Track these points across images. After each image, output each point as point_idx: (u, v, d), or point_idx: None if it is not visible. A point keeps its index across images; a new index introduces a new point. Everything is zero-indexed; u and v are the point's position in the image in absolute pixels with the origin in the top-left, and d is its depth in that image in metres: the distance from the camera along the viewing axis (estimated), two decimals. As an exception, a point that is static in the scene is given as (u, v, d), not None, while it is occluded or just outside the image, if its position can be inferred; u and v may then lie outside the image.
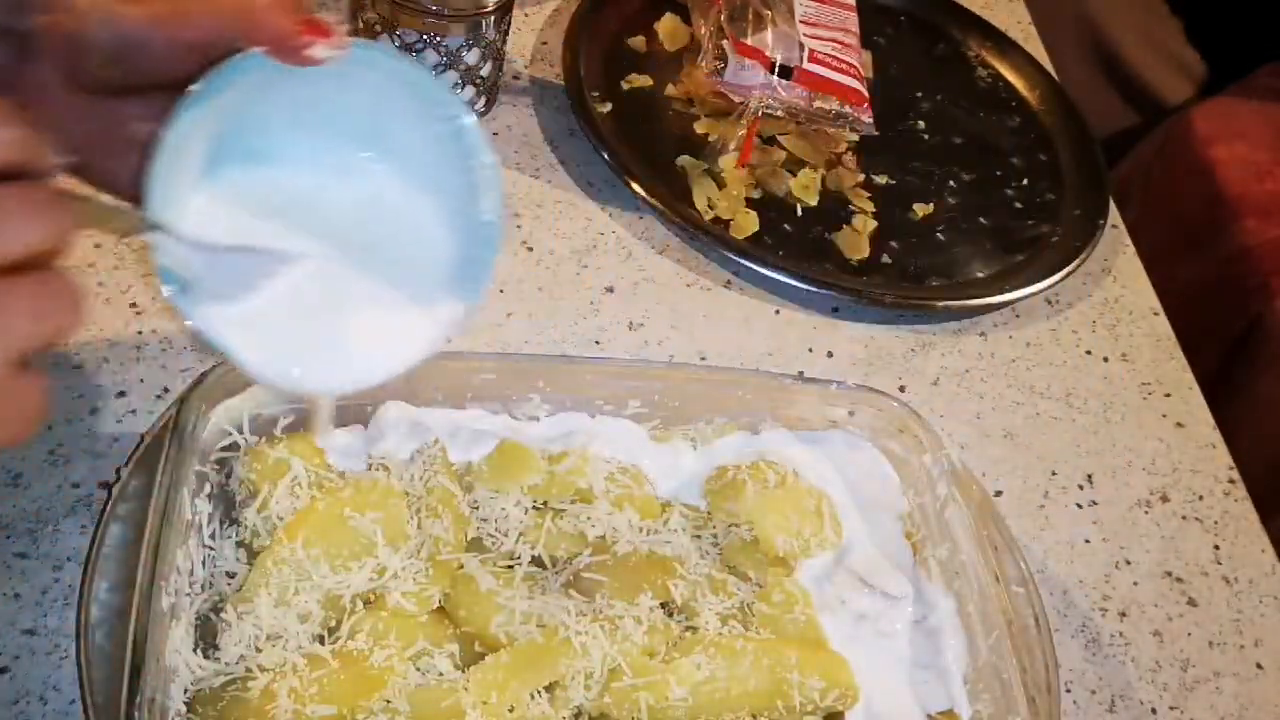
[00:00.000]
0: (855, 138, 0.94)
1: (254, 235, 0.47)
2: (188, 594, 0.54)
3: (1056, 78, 1.06)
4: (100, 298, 0.70)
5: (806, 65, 0.91)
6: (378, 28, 0.79)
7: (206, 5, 0.43)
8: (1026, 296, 0.85)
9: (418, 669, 0.55)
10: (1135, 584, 0.72)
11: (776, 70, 0.90)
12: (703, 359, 0.77)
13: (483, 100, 0.86)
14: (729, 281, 0.82)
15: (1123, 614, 0.70)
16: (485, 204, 0.49)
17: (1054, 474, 0.77)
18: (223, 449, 0.59)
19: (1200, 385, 0.86)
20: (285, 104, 0.46)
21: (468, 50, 0.80)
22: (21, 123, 0.35)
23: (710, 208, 0.85)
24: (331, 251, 0.49)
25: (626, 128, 0.89)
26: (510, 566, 0.59)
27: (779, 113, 0.91)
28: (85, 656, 0.52)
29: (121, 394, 0.66)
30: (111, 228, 0.44)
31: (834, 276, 0.83)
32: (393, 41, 0.79)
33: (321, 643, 0.55)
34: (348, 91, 0.47)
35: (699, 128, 0.91)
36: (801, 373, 0.77)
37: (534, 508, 0.62)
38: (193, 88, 0.43)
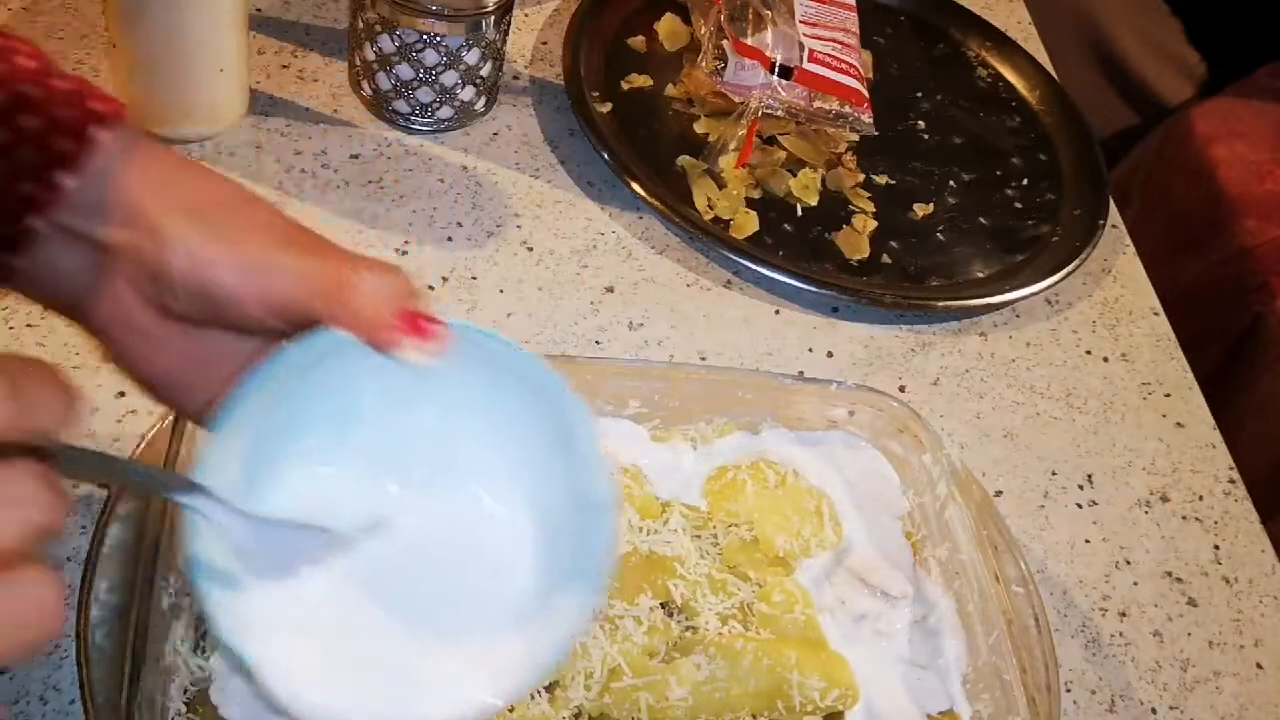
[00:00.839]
0: (855, 138, 0.94)
1: (310, 517, 0.41)
2: (187, 594, 0.54)
3: (1056, 78, 1.06)
4: (100, 298, 0.70)
5: (806, 65, 0.91)
6: (378, 28, 0.79)
7: (304, 267, 0.39)
8: (1026, 296, 0.85)
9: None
10: (1135, 584, 0.72)
11: (776, 70, 0.90)
12: (703, 359, 0.77)
13: (483, 100, 0.86)
14: (729, 281, 0.82)
15: (1123, 614, 0.70)
16: (597, 487, 0.43)
17: (1054, 474, 0.77)
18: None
19: (1200, 385, 0.85)
20: (374, 374, 0.41)
21: (468, 50, 0.80)
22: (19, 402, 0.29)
23: (710, 208, 0.85)
24: (400, 552, 0.43)
25: (626, 128, 0.89)
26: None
27: (779, 113, 0.91)
28: (85, 656, 0.52)
29: (121, 394, 0.66)
30: (128, 485, 0.41)
31: (834, 276, 0.83)
32: (392, 42, 0.79)
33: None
34: (447, 371, 0.41)
35: (699, 128, 0.91)
36: (801, 373, 0.77)
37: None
38: (260, 366, 0.39)
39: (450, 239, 0.79)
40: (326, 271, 0.39)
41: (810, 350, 0.79)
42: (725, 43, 0.91)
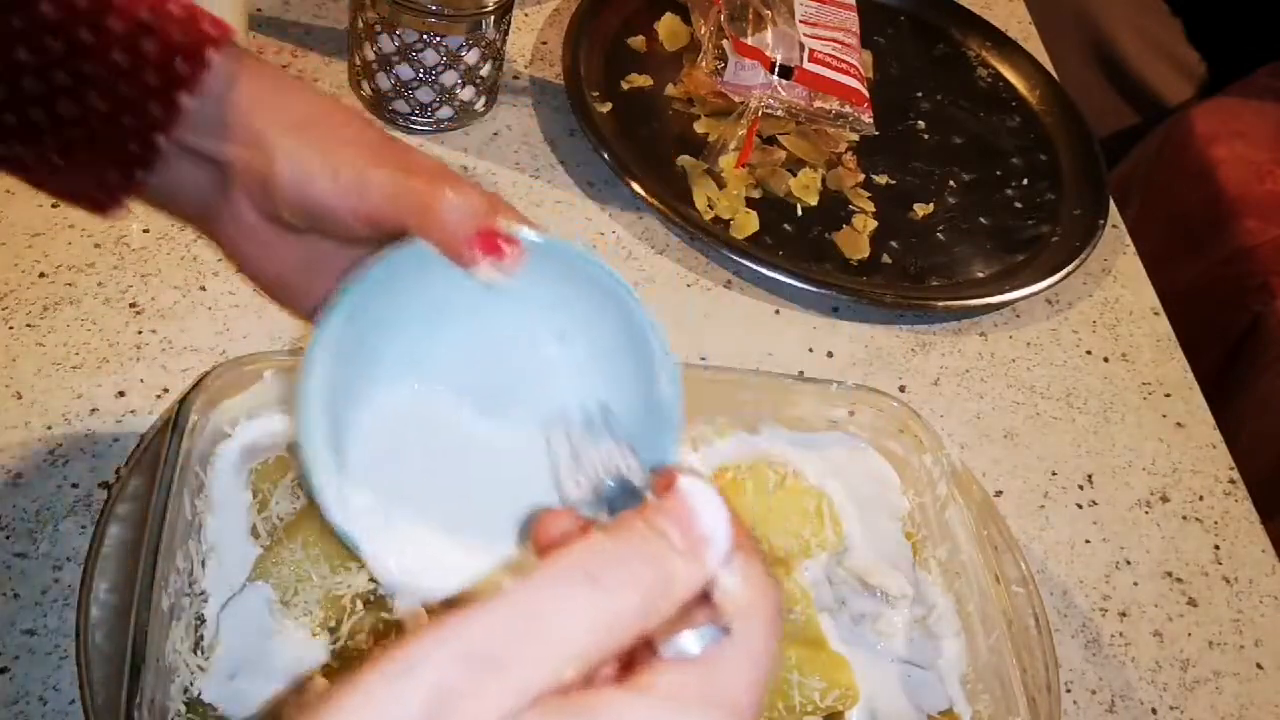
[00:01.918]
0: (855, 138, 0.94)
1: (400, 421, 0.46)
2: (187, 594, 0.54)
3: (1056, 78, 1.06)
4: (100, 298, 0.70)
5: (806, 65, 0.91)
6: (377, 28, 0.79)
7: (392, 185, 0.42)
8: (1026, 296, 0.85)
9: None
10: (1135, 584, 0.72)
11: (776, 70, 0.90)
12: (703, 359, 0.77)
13: (482, 100, 0.86)
14: (729, 281, 0.82)
15: (1123, 614, 0.70)
16: (662, 385, 0.46)
17: (1054, 474, 0.77)
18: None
19: (1200, 385, 0.85)
20: (461, 281, 0.43)
21: (468, 50, 0.80)
22: None
23: (710, 208, 0.85)
24: (477, 453, 0.47)
25: (626, 128, 0.89)
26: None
27: (779, 113, 0.91)
28: (85, 656, 0.52)
29: (121, 394, 0.66)
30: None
31: (834, 276, 0.83)
32: (392, 42, 0.79)
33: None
34: (526, 280, 0.44)
35: (699, 128, 0.91)
36: (801, 373, 0.77)
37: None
38: (344, 286, 0.42)
39: (450, 239, 0.79)
40: (414, 188, 0.41)
41: (810, 350, 0.79)
42: (725, 43, 0.91)
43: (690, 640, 0.28)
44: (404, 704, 0.24)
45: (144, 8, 0.41)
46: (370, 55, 0.81)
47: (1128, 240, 0.95)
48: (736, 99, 0.90)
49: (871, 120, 0.93)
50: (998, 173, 0.96)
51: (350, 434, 0.46)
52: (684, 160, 0.88)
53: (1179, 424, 0.82)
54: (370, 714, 0.24)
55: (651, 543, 0.29)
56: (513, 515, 0.47)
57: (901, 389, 0.78)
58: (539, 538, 0.33)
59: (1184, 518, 0.77)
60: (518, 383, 0.48)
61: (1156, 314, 0.90)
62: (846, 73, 0.93)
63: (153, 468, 0.55)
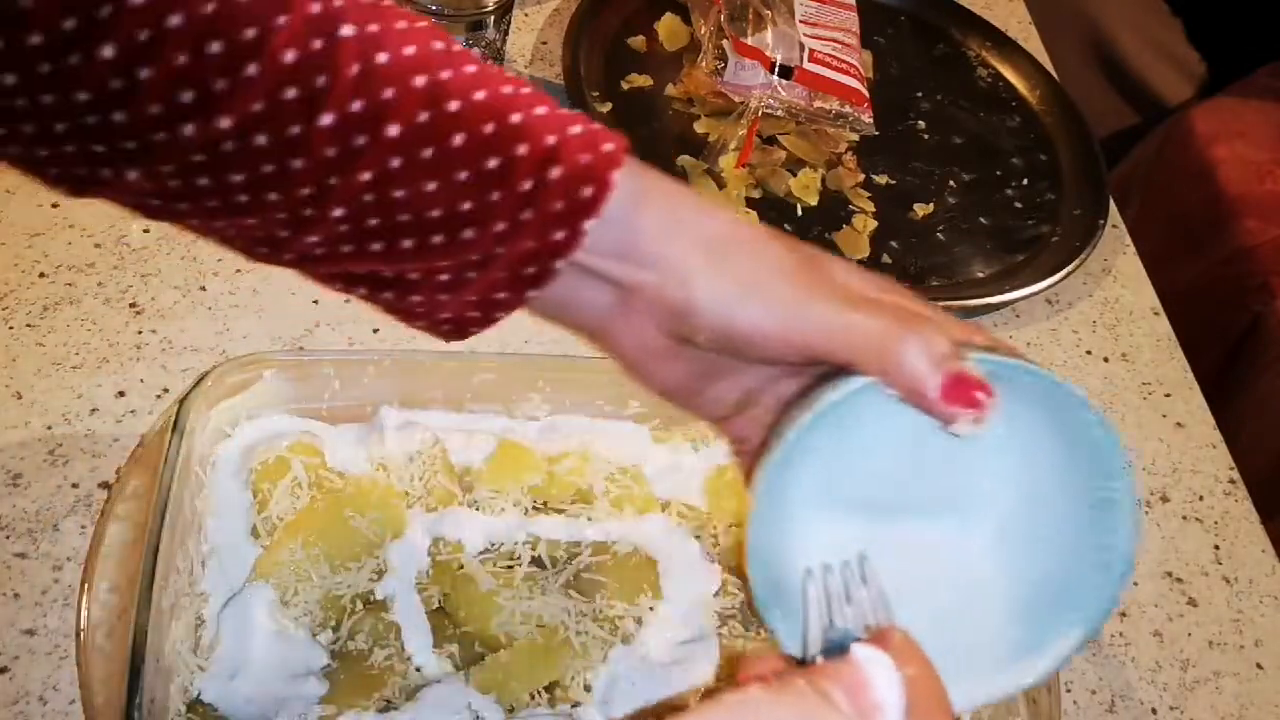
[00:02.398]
0: (855, 138, 0.94)
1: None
2: (187, 594, 0.54)
3: (1056, 78, 1.06)
4: (100, 298, 0.70)
5: (806, 65, 0.91)
6: (378, 28, 0.79)
7: (837, 324, 0.39)
8: (1026, 296, 0.85)
9: (418, 669, 0.55)
10: (1135, 584, 0.72)
11: (776, 70, 0.90)
12: (703, 359, 0.77)
13: (483, 100, 0.86)
14: (729, 281, 0.82)
15: (1123, 614, 0.70)
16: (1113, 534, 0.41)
17: (1054, 474, 0.77)
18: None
19: (1200, 385, 0.85)
20: (907, 430, 0.40)
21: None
22: None
23: (710, 208, 0.85)
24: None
25: (626, 128, 0.88)
26: (510, 567, 0.59)
27: (779, 113, 0.91)
28: (85, 656, 0.52)
29: (121, 394, 0.66)
30: None
31: (834, 276, 0.83)
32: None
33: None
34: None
35: (699, 128, 0.91)
36: (801, 373, 0.77)
37: (534, 508, 0.62)
38: (804, 417, 0.39)
39: (450, 239, 0.79)
40: (870, 331, 0.39)
41: (810, 350, 0.79)
42: (725, 43, 0.91)
43: None
44: None
45: (551, 133, 0.40)
46: (370, 55, 0.81)
47: (1128, 240, 0.95)
48: (736, 99, 0.90)
49: (871, 120, 0.93)
50: (998, 173, 0.96)
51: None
52: (684, 160, 0.88)
53: (1179, 424, 0.82)
54: None
55: (809, 702, 0.29)
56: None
57: (901, 389, 0.78)
58: (739, 677, 0.33)
59: (1184, 518, 0.77)
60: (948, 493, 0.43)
61: (1156, 314, 0.90)
62: (846, 73, 0.93)
63: (153, 468, 0.55)
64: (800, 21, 0.94)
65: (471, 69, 0.40)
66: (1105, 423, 0.39)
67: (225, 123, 0.35)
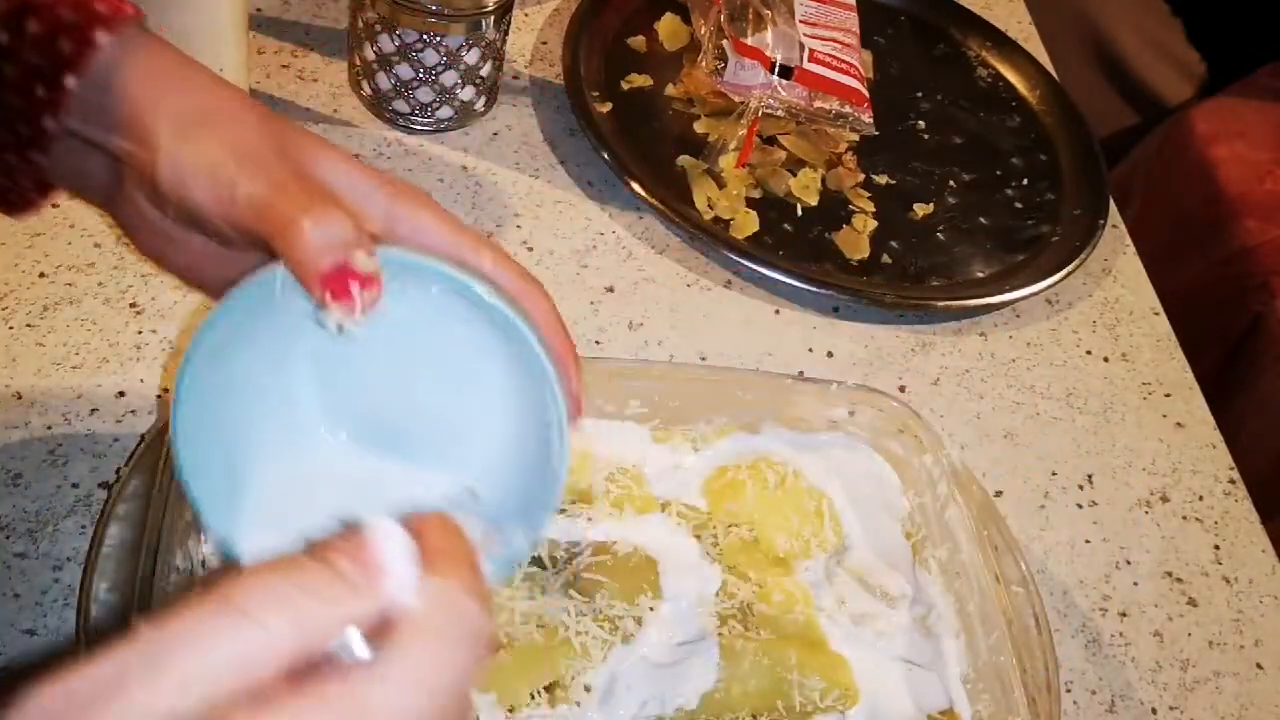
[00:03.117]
0: (855, 138, 0.94)
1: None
2: (187, 594, 0.54)
3: (1056, 78, 1.06)
4: (100, 298, 0.70)
5: (806, 65, 0.91)
6: (377, 28, 0.79)
7: (261, 198, 0.38)
8: (1026, 296, 0.85)
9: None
10: (1135, 584, 0.72)
11: (776, 70, 0.90)
12: (703, 359, 0.77)
13: (482, 100, 0.86)
14: (729, 281, 0.82)
15: (1123, 614, 0.70)
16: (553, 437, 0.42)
17: (1054, 474, 0.77)
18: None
19: (1200, 385, 0.85)
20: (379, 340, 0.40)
21: (468, 50, 0.80)
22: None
23: (710, 208, 0.85)
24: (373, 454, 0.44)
25: (626, 128, 0.89)
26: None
27: (779, 113, 0.91)
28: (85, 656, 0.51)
29: (121, 394, 0.66)
30: None
31: (834, 276, 0.83)
32: (392, 41, 0.79)
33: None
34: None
35: (699, 128, 0.91)
36: (801, 373, 0.77)
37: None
38: (203, 323, 0.39)
39: (450, 239, 0.79)
40: (277, 206, 0.38)
41: (810, 350, 0.79)
42: (725, 42, 0.91)
43: (350, 648, 0.28)
44: None
45: None
46: (370, 55, 0.81)
47: (1128, 240, 0.95)
48: (736, 99, 0.90)
49: (871, 120, 0.93)
50: (998, 173, 0.96)
51: (242, 471, 0.43)
52: (684, 160, 0.88)
53: (1179, 424, 0.82)
54: None
55: (307, 572, 0.28)
56: None
57: (901, 389, 0.78)
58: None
59: (1184, 518, 0.77)
60: (404, 420, 0.44)
61: (1156, 314, 0.90)
62: (846, 73, 0.93)
63: (153, 468, 0.55)
64: (800, 21, 0.94)
65: None
66: (531, 340, 0.40)
67: None
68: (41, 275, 0.70)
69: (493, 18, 0.80)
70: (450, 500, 0.44)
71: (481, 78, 0.84)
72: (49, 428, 0.63)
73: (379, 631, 0.28)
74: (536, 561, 0.60)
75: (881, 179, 0.92)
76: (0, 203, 0.44)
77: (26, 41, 0.39)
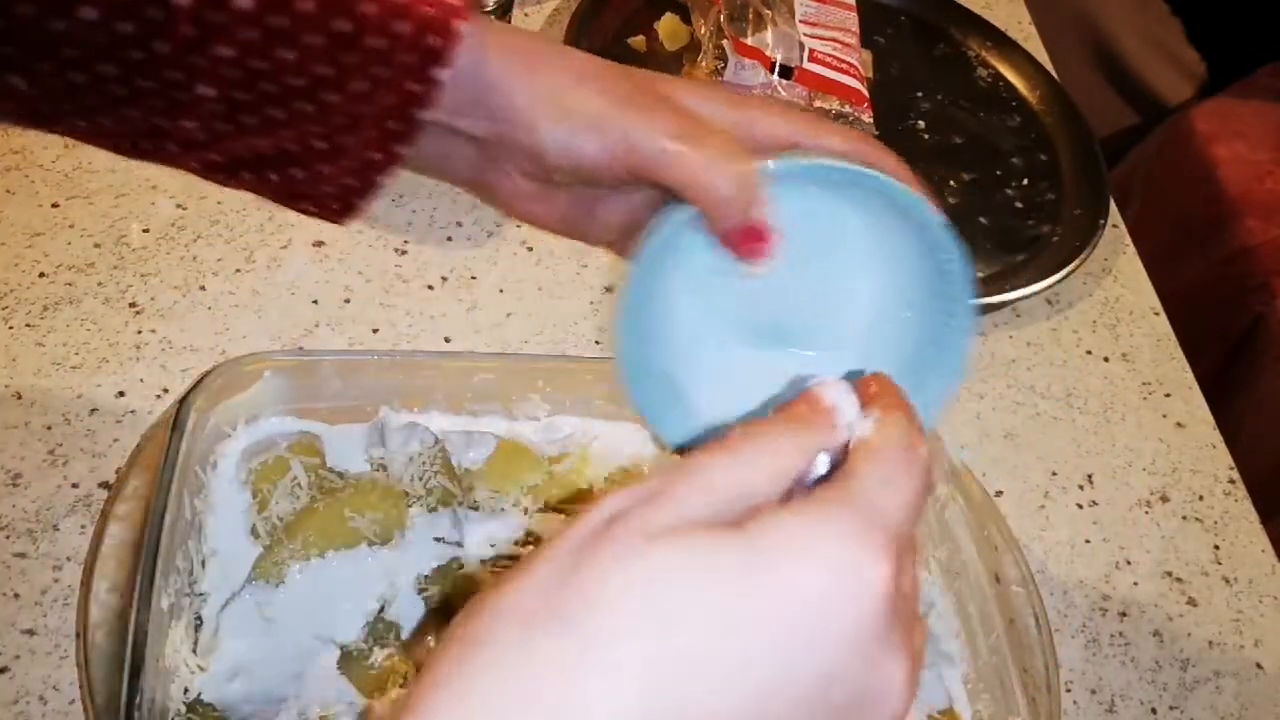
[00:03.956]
0: (855, 138, 0.94)
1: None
2: (187, 594, 0.54)
3: (1056, 78, 1.06)
4: (100, 298, 0.70)
5: (806, 65, 0.91)
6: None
7: (655, 148, 0.41)
8: (1026, 296, 0.85)
9: (419, 669, 0.55)
10: (1135, 584, 0.72)
11: (776, 70, 0.90)
12: (703, 359, 0.77)
13: (483, 100, 0.86)
14: (729, 281, 0.82)
15: (1123, 614, 0.70)
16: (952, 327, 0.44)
17: (1054, 474, 0.77)
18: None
19: (1200, 385, 0.85)
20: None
21: (468, 50, 0.80)
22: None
23: (710, 208, 0.85)
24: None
25: (626, 128, 0.89)
26: (510, 567, 0.59)
27: (779, 113, 0.91)
28: (85, 656, 0.52)
29: (121, 394, 0.66)
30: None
31: (834, 276, 0.83)
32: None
33: (321, 643, 0.55)
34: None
35: (699, 128, 0.91)
36: (801, 373, 0.77)
37: (534, 508, 0.62)
38: (638, 255, 0.42)
39: (450, 239, 0.79)
40: (678, 158, 0.41)
41: (810, 350, 0.79)
42: (725, 43, 0.91)
43: (819, 464, 0.33)
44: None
45: None
46: (370, 55, 0.81)
47: (1128, 240, 0.95)
48: (736, 99, 0.90)
49: (871, 120, 0.93)
50: (998, 173, 0.96)
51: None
52: (684, 160, 0.88)
53: (1179, 424, 0.82)
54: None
55: (777, 423, 0.33)
56: None
57: (901, 389, 0.78)
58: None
59: (1184, 518, 0.77)
60: (787, 315, 0.47)
61: (1156, 314, 0.90)
62: (846, 73, 0.92)
63: (153, 468, 0.55)
64: (800, 21, 0.94)
65: None
66: (922, 202, 0.42)
67: (91, 13, 0.37)
68: (41, 275, 0.70)
69: (492, 18, 0.80)
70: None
71: (481, 78, 0.84)
72: (49, 428, 0.63)
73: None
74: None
75: (881, 179, 0.92)
76: (344, 210, 0.45)
77: (399, 43, 0.41)
